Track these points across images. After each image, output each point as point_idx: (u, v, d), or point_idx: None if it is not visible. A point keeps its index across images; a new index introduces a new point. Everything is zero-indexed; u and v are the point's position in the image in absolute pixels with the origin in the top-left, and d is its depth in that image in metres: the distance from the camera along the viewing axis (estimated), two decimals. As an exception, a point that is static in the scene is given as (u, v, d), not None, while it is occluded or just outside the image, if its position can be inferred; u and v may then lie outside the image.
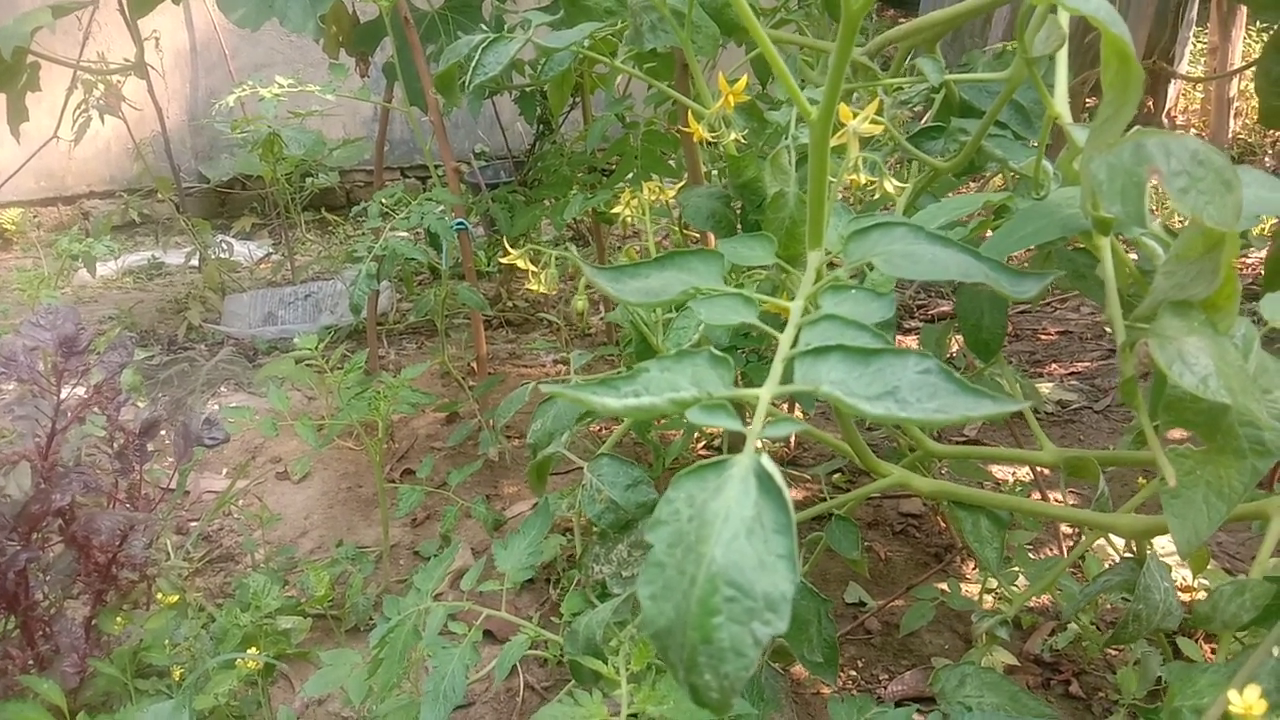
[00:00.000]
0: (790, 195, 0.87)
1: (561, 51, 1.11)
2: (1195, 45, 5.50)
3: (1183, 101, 5.53)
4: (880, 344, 0.47)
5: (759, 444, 0.44)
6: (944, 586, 1.89)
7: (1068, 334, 3.36)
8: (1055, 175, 0.81)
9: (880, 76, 0.99)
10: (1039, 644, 1.83)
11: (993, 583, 1.88)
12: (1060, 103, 0.69)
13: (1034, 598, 1.96)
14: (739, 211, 1.10)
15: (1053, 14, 0.69)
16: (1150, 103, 4.76)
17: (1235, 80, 5.02)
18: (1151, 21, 4.61)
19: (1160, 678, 1.73)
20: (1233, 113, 5.16)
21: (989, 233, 0.97)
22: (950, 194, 1.17)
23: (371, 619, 1.99)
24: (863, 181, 0.78)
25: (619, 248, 4.03)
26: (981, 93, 1.03)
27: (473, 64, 1.04)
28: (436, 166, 2.42)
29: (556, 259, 0.98)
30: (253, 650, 1.38)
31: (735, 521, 0.39)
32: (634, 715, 0.74)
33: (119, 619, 1.44)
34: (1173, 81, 4.90)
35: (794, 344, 0.52)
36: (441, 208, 2.39)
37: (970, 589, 1.94)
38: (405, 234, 2.40)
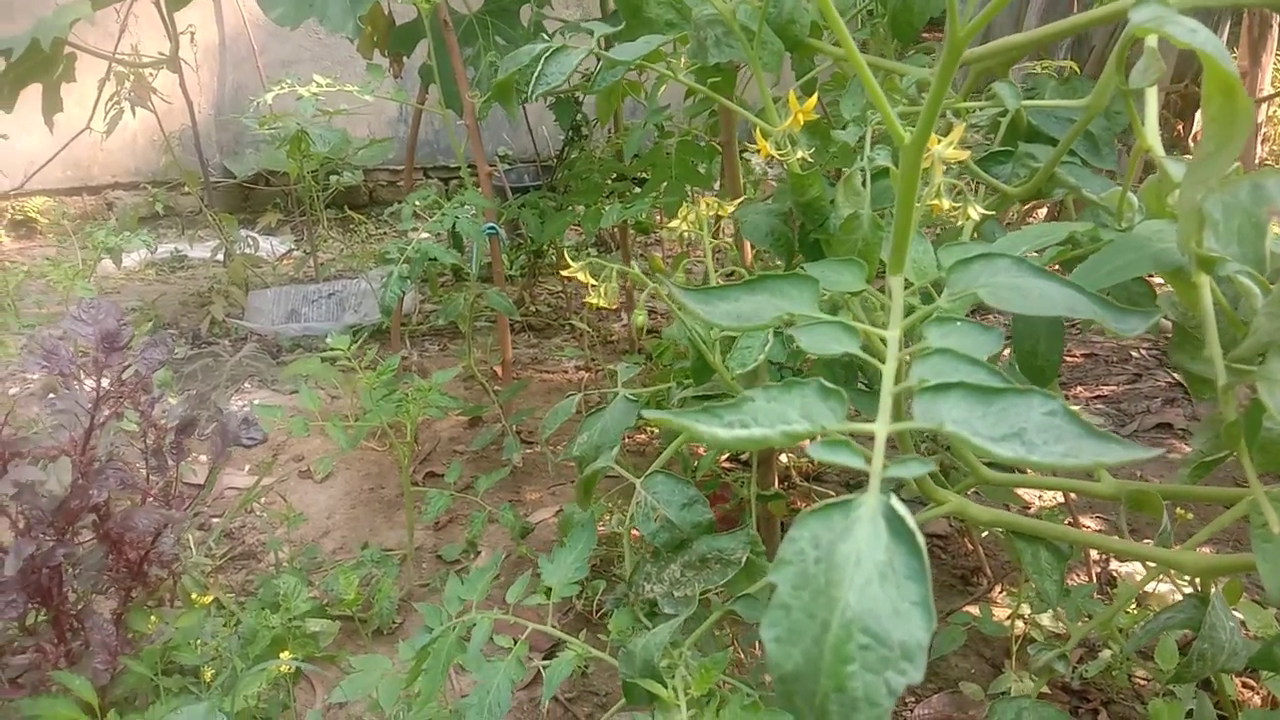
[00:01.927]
0: (864, 218, 0.86)
1: (620, 65, 1.10)
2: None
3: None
4: (1002, 382, 0.46)
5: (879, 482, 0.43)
6: (975, 610, 1.88)
7: (1093, 356, 3.33)
8: (1139, 208, 0.80)
9: (956, 99, 0.98)
10: (1069, 672, 1.81)
11: (1025, 609, 1.86)
12: (1152, 135, 0.68)
13: (1060, 625, 1.94)
14: (798, 230, 1.09)
15: (1150, 45, 0.68)
16: (1180, 126, 4.74)
17: (1264, 106, 4.99)
18: (1166, 66, 4.59)
19: (1190, 712, 1.71)
20: (1260, 138, 5.14)
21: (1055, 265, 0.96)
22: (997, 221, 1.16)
23: (395, 622, 1.99)
24: (945, 207, 0.77)
25: (641, 255, 4.03)
26: (1049, 118, 1.02)
27: (535, 73, 1.03)
28: (471, 167, 2.41)
29: (613, 273, 0.97)
30: (285, 654, 1.38)
31: (868, 566, 0.38)
32: (694, 741, 0.73)
33: (152, 618, 1.43)
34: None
35: (898, 377, 0.51)
36: (473, 211, 2.38)
37: (998, 613, 1.92)
38: (428, 236, 2.40)
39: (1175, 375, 3.12)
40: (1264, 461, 0.60)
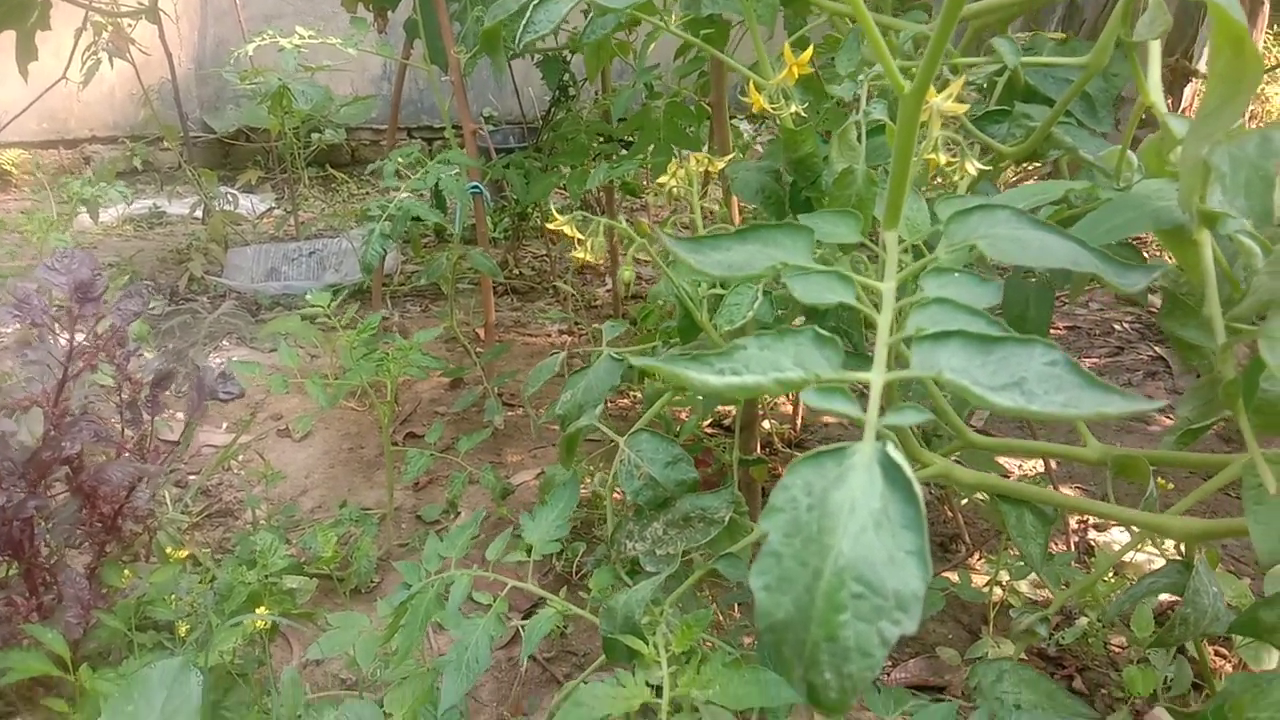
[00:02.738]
0: (859, 173, 0.85)
1: (611, 14, 1.08)
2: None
3: (1198, 101, 5.51)
4: (1001, 331, 0.44)
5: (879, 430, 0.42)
6: (954, 577, 1.88)
7: (1076, 329, 3.34)
8: (1139, 167, 0.79)
9: (953, 55, 0.96)
10: (1044, 638, 1.82)
11: (1003, 575, 1.87)
12: (1154, 90, 0.66)
13: (1038, 592, 1.95)
14: (789, 187, 1.07)
15: (1155, -3, 0.67)
16: (1169, 101, 4.73)
17: None
18: (1172, 19, 4.57)
19: (1166, 678, 1.73)
20: (1248, 115, 5.14)
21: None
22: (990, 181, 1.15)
23: (374, 581, 1.98)
24: (942, 161, 0.76)
25: (629, 220, 3.99)
26: (1046, 78, 1.00)
27: (524, 21, 1.00)
28: (455, 127, 2.38)
29: (598, 230, 0.95)
30: (261, 610, 1.36)
31: (862, 513, 0.37)
32: (675, 700, 0.72)
33: (125, 572, 1.41)
34: (1191, 80, 4.87)
35: (893, 329, 0.50)
36: (456, 170, 2.35)
37: (976, 579, 1.93)
38: (411, 194, 2.36)
39: (1157, 349, 3.13)
40: (1261, 423, 0.59)
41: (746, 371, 0.44)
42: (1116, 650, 1.83)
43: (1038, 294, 1.08)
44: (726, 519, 0.89)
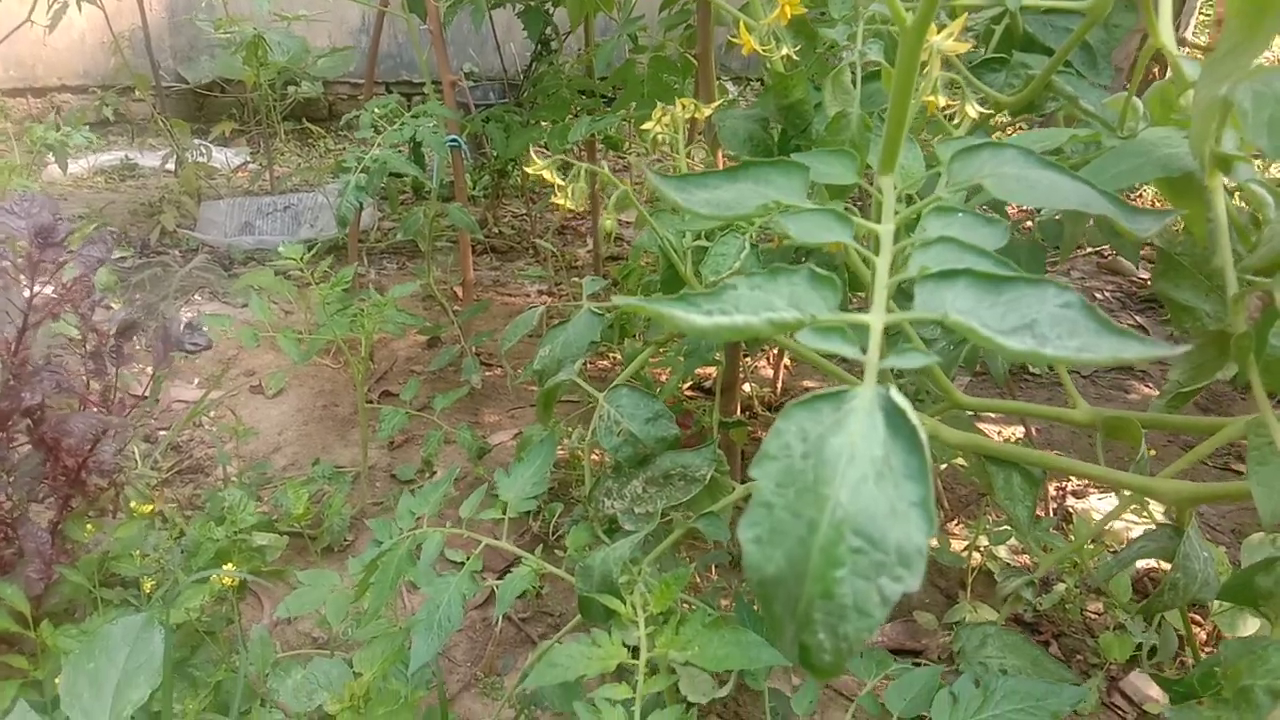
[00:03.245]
0: (853, 117, 0.81)
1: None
2: (1200, 17, 5.43)
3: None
4: (1011, 271, 0.41)
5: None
6: (932, 541, 1.87)
7: (1058, 297, 3.32)
8: (1144, 115, 0.76)
9: (952, -4, 0.92)
10: (1021, 604, 1.81)
11: (982, 540, 1.86)
12: (1166, 32, 0.63)
13: (1017, 558, 1.95)
14: (779, 135, 1.04)
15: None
16: (1155, 70, 4.70)
17: (1183, 50, 4.97)
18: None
19: (1140, 645, 1.73)
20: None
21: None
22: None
23: (347, 540, 1.95)
24: (941, 104, 0.72)
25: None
26: (1046, 26, 0.97)
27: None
28: (435, 82, 2.31)
29: (579, 176, 0.91)
30: (229, 566, 1.33)
31: (862, 462, 0.34)
32: (653, 660, 0.70)
33: (89, 526, 1.37)
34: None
35: (894, 269, 0.47)
36: (435, 123, 2.29)
37: (955, 544, 1.92)
38: (387, 148, 2.30)
39: (1138, 318, 3.13)
40: (1270, 381, 0.56)
41: (736, 312, 0.41)
42: (1093, 616, 1.83)
43: (1029, 252, 1.05)
44: (708, 477, 0.86)
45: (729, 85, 2.98)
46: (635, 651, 0.78)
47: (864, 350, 0.38)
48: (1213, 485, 0.79)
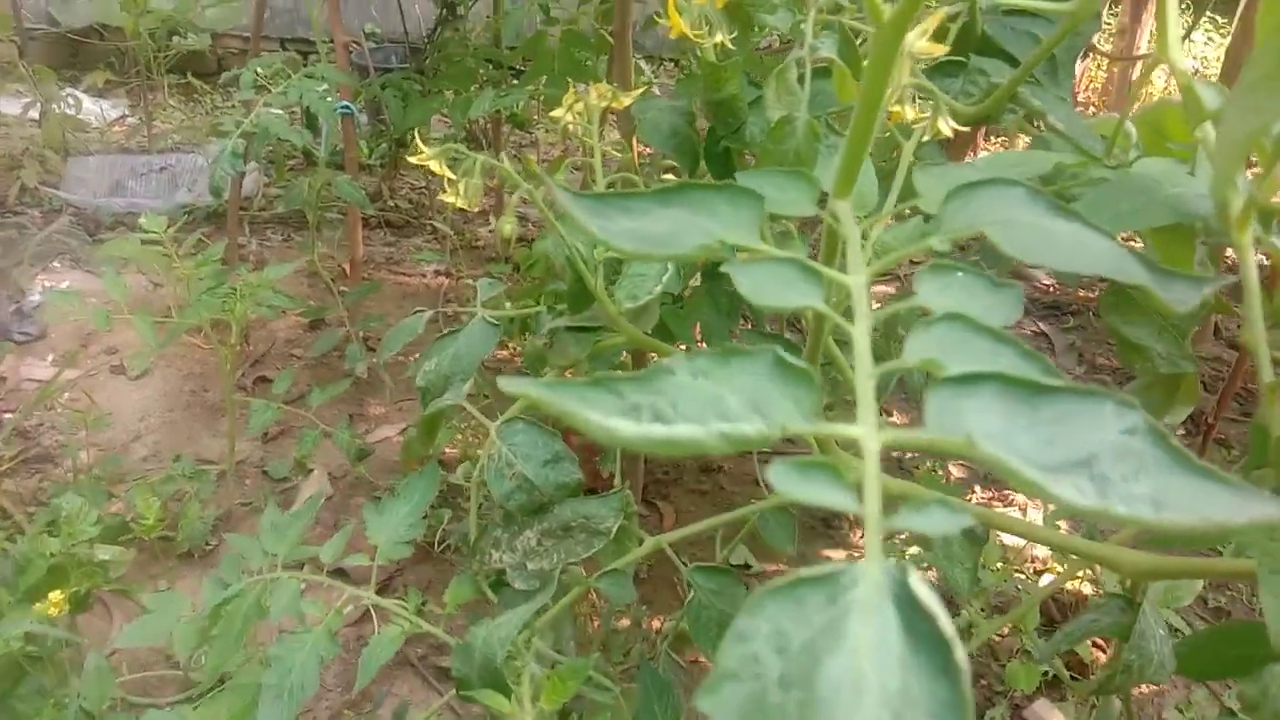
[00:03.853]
0: (799, 123, 0.69)
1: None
2: (1106, 25, 5.52)
3: (1086, 80, 5.57)
4: (1046, 373, 0.30)
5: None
6: (836, 555, 1.80)
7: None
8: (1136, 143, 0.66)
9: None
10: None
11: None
12: (1174, 45, 0.53)
13: (928, 574, 1.88)
14: (706, 134, 0.92)
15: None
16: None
17: (1139, 64, 5.05)
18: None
19: (1047, 671, 1.69)
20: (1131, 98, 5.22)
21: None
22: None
23: (209, 544, 1.77)
24: (909, 117, 0.61)
25: (515, 156, 3.77)
26: (1006, 29, 0.87)
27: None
28: (326, 42, 2.12)
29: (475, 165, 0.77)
30: (55, 594, 1.16)
31: (872, 700, 0.22)
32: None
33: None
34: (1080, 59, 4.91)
35: (876, 347, 0.35)
36: (325, 86, 2.10)
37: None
38: (280, 112, 2.11)
39: (1040, 325, 3.13)
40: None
41: (675, 415, 0.29)
42: (997, 640, 1.78)
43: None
44: (614, 530, 0.74)
45: (643, 64, 2.84)
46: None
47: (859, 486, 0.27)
48: (1176, 561, 0.70)
